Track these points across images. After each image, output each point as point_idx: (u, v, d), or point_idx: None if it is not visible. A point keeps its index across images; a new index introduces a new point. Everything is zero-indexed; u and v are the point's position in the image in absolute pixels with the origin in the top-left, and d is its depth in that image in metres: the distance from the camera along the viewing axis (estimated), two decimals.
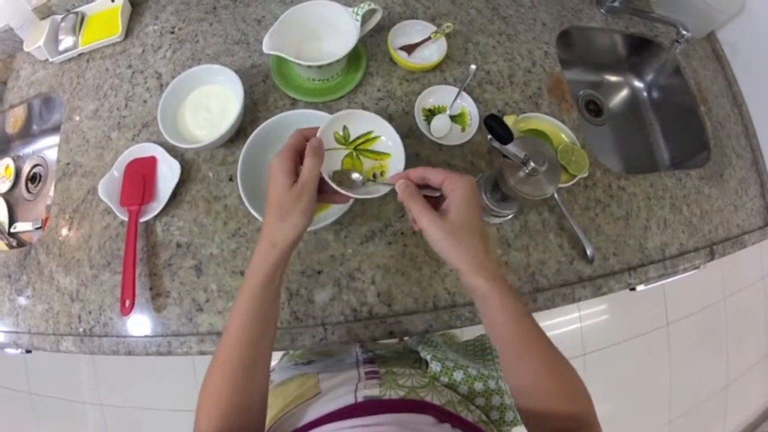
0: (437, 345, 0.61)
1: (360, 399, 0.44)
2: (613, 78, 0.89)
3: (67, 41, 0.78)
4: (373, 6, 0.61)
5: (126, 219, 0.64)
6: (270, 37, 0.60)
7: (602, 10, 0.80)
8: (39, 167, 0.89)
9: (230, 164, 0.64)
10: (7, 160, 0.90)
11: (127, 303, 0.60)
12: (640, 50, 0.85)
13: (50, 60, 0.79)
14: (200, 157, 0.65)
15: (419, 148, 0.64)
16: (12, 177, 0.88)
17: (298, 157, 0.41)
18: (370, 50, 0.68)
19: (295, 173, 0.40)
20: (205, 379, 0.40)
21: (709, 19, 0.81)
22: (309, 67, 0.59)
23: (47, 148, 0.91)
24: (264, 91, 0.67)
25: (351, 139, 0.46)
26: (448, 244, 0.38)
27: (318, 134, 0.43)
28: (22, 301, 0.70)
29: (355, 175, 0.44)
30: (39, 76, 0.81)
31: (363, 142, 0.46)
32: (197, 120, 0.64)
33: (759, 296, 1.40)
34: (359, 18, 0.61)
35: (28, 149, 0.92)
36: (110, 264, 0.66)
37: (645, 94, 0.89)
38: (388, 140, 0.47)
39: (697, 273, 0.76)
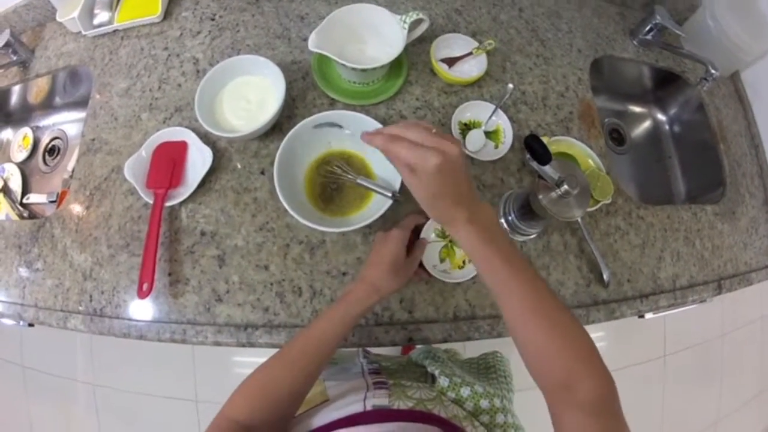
0: (443, 361, 0.61)
1: (369, 407, 0.45)
2: (637, 109, 0.91)
3: (102, 16, 0.77)
4: (421, 16, 0.62)
5: (150, 201, 0.64)
6: (316, 34, 0.61)
7: (635, 42, 0.82)
8: (58, 140, 0.88)
9: (263, 157, 0.64)
10: (26, 130, 0.88)
11: (145, 286, 0.59)
12: (666, 84, 0.87)
13: (83, 33, 0.78)
14: (233, 147, 0.65)
15: None
16: (29, 147, 0.87)
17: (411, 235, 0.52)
18: (411, 59, 0.69)
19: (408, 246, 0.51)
20: (264, 368, 0.44)
21: (735, 59, 0.83)
22: (353, 69, 0.60)
23: (68, 122, 0.89)
24: (303, 88, 0.67)
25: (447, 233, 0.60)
26: (420, 202, 0.41)
27: (424, 229, 0.58)
28: (30, 273, 0.69)
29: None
30: (69, 48, 0.80)
31: None
32: (234, 109, 0.64)
33: (755, 336, 1.43)
34: (407, 26, 0.62)
35: (48, 121, 0.90)
36: (129, 245, 0.65)
37: (667, 127, 0.91)
38: None
39: (699, 307, 0.77)
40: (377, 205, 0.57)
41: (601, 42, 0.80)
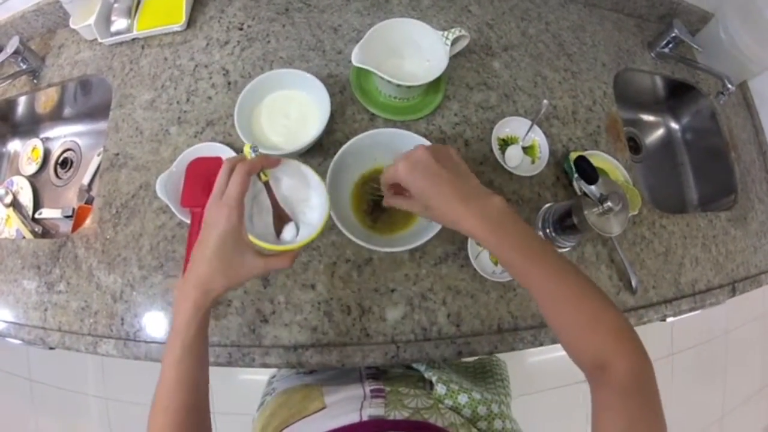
0: (440, 366, 0.62)
1: (365, 418, 0.45)
2: (651, 117, 0.95)
3: (120, 23, 0.74)
4: (463, 32, 0.62)
5: (185, 220, 0.62)
6: (360, 49, 0.60)
7: (652, 54, 0.85)
8: (70, 152, 0.84)
9: None
10: (35, 141, 0.84)
11: None
12: (679, 94, 0.91)
13: (99, 41, 0.75)
14: None
15: (493, 176, 0.65)
16: (40, 159, 0.82)
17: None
18: (447, 73, 0.69)
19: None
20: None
21: (744, 69, 0.87)
22: (398, 86, 0.59)
23: (80, 133, 0.85)
24: (341, 102, 0.66)
25: None
26: (432, 215, 0.42)
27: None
28: (52, 295, 0.66)
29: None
30: (84, 56, 0.76)
31: None
32: (274, 126, 0.62)
33: (758, 332, 1.52)
34: (449, 42, 0.62)
35: (59, 132, 0.86)
36: (163, 266, 0.63)
37: (679, 135, 0.94)
38: None
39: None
40: (424, 224, 0.57)
41: (623, 55, 0.82)
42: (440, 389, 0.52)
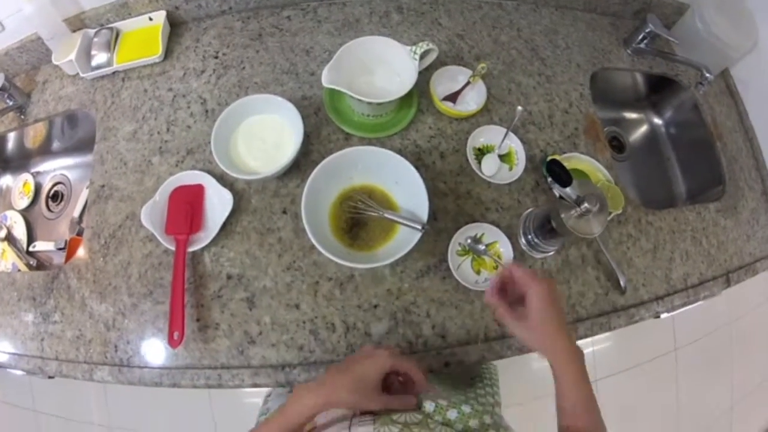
0: (428, 380, 0.62)
1: None
2: (633, 115, 0.94)
3: (100, 57, 0.76)
4: (431, 46, 0.63)
5: (170, 248, 0.63)
6: (329, 70, 0.61)
7: (629, 51, 0.85)
8: (61, 185, 0.86)
9: (283, 196, 0.64)
10: (26, 176, 0.86)
11: (176, 335, 0.59)
12: (660, 88, 0.90)
13: (81, 75, 0.77)
14: (251, 188, 0.65)
15: (470, 186, 0.66)
16: (31, 193, 0.84)
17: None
18: (420, 87, 0.70)
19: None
20: None
21: (724, 57, 0.86)
22: (369, 103, 0.60)
23: (69, 167, 0.87)
24: (316, 123, 0.67)
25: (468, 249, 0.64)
26: (527, 338, 0.47)
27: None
28: (48, 325, 0.67)
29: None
30: (68, 91, 0.78)
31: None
32: (251, 150, 0.63)
33: (762, 319, 1.50)
34: (417, 57, 0.62)
35: (48, 166, 0.88)
36: (152, 293, 0.64)
37: (663, 129, 0.94)
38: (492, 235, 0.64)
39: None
40: (404, 237, 0.58)
41: (598, 55, 0.82)
42: (428, 407, 0.52)
